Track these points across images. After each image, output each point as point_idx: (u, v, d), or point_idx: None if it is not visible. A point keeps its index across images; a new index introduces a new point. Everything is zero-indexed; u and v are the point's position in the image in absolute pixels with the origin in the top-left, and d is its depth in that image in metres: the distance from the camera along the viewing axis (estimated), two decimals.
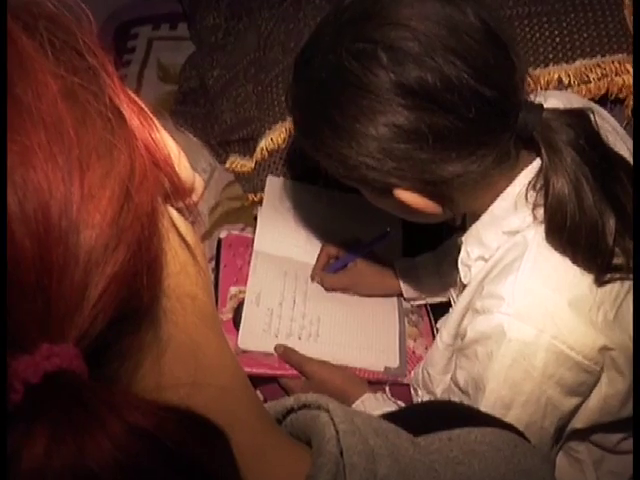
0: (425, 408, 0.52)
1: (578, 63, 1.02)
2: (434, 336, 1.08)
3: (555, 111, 0.70)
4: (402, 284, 1.07)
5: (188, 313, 0.32)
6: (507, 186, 0.72)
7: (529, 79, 0.71)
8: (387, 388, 1.00)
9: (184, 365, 0.31)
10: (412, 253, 1.11)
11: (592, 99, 0.99)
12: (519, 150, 0.72)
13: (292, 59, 0.76)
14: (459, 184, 0.69)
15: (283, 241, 1.12)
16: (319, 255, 1.09)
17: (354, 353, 1.03)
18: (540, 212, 0.70)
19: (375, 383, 1.01)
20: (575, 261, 0.69)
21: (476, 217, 0.77)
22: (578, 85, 1.02)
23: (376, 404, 0.92)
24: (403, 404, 0.94)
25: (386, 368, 1.02)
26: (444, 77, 0.63)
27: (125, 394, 0.23)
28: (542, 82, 1.03)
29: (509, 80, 0.67)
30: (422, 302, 1.10)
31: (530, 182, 0.71)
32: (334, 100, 0.67)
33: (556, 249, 0.69)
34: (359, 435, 0.35)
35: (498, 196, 0.73)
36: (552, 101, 0.75)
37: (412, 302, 1.10)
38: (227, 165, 1.27)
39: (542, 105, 0.69)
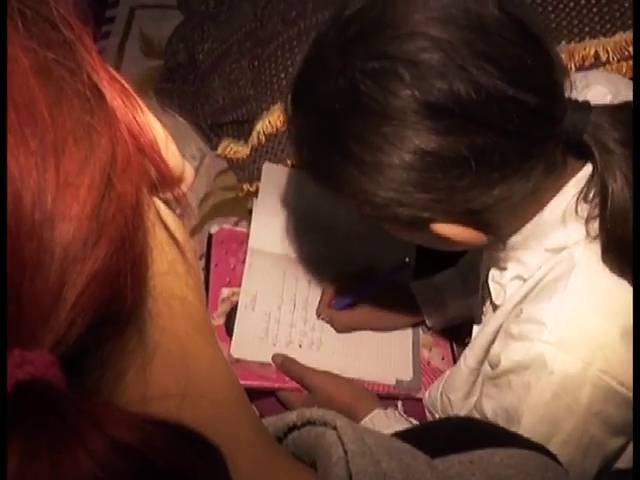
0: (443, 426, 0.52)
1: (618, 37, 1.02)
2: (452, 345, 1.08)
3: (605, 108, 0.67)
4: (425, 313, 1.06)
5: (177, 317, 0.32)
6: (553, 197, 0.70)
7: (563, 59, 0.70)
8: (399, 404, 1.00)
9: (173, 375, 0.31)
10: (425, 266, 1.10)
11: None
12: (566, 157, 0.69)
13: (293, 31, 0.76)
14: (505, 207, 0.67)
15: (282, 237, 1.12)
16: (324, 289, 1.08)
17: (362, 364, 1.03)
18: (594, 226, 0.68)
19: (386, 398, 1.01)
20: (623, 275, 0.67)
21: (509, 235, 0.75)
22: (618, 62, 1.02)
23: (387, 422, 0.92)
24: (417, 422, 0.94)
25: (398, 381, 1.02)
26: (478, 88, 0.60)
27: (107, 406, 0.23)
28: (576, 58, 1.03)
29: (550, 79, 0.65)
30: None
31: (581, 192, 0.69)
32: (351, 130, 0.64)
33: (612, 268, 0.68)
34: (370, 456, 0.35)
35: (542, 208, 0.71)
36: (598, 89, 0.73)
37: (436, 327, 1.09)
38: (219, 151, 1.27)
39: (589, 103, 0.67)
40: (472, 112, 0.60)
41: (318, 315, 1.07)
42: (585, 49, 1.03)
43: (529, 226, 0.72)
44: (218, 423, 0.32)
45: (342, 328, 1.06)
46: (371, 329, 1.07)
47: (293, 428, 0.39)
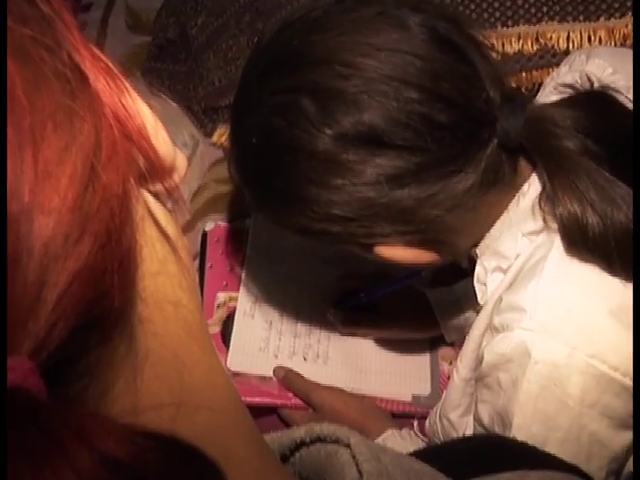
0: (466, 444, 0.52)
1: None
2: None
3: (552, 106, 0.72)
4: (443, 326, 1.05)
5: (170, 322, 0.32)
6: (507, 205, 0.75)
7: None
8: (415, 423, 1.01)
9: (166, 385, 0.32)
10: (445, 274, 1.11)
11: None
12: (515, 162, 0.74)
13: (297, 2, 0.77)
14: (447, 224, 0.72)
15: (284, 237, 1.13)
16: (334, 286, 1.09)
17: (373, 379, 1.04)
18: (554, 224, 0.71)
19: (401, 416, 1.01)
20: (612, 272, 0.69)
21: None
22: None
23: (402, 443, 0.93)
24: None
25: (414, 397, 1.02)
26: (386, 113, 0.66)
27: (94, 417, 0.24)
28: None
29: (470, 89, 0.69)
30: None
31: (538, 196, 0.72)
32: (271, 167, 0.73)
33: (584, 262, 0.70)
34: (387, 478, 0.36)
35: (499, 216, 0.75)
36: (596, 63, 0.76)
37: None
38: (214, 138, 1.27)
39: (524, 104, 0.71)
40: (382, 138, 0.66)
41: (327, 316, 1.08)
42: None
43: (501, 218, 0.75)
44: (216, 436, 0.32)
45: (347, 329, 1.07)
46: (378, 336, 1.08)
47: (301, 445, 0.40)
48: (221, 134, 1.26)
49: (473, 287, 1.05)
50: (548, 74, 1.05)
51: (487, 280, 0.77)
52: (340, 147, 0.67)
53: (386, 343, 1.07)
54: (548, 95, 0.80)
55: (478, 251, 0.78)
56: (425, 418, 1.01)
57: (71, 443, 0.21)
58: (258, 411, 0.99)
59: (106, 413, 0.28)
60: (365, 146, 0.67)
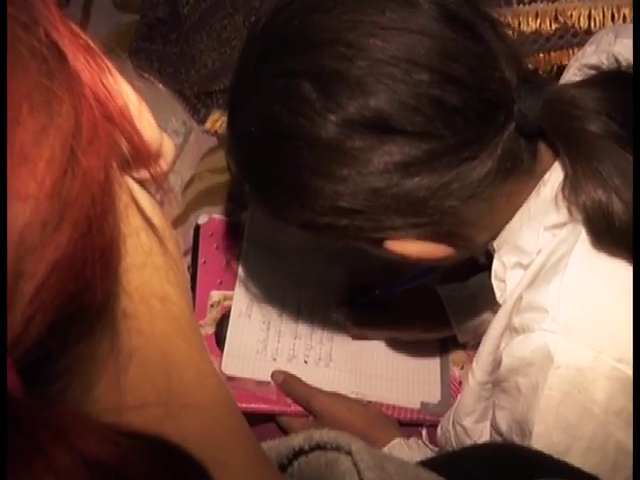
0: (478, 453, 0.52)
1: None
2: None
3: (573, 87, 0.71)
4: (455, 325, 1.06)
5: (157, 319, 0.33)
6: (529, 194, 0.74)
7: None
8: (424, 431, 1.01)
9: (152, 386, 0.32)
10: (458, 270, 1.11)
11: None
12: (535, 148, 0.73)
13: None
14: (462, 215, 0.71)
15: (284, 230, 1.13)
16: (339, 285, 1.09)
17: (379, 383, 1.04)
18: (579, 215, 0.70)
19: (408, 424, 1.02)
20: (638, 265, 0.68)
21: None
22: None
23: (409, 453, 0.93)
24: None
25: (423, 404, 1.03)
26: (394, 97, 0.65)
27: (74, 415, 0.24)
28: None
29: (484, 69, 0.68)
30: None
31: (561, 184, 0.72)
32: (272, 157, 0.72)
33: (611, 256, 0.69)
34: None
35: (516, 207, 0.75)
36: (624, 43, 0.75)
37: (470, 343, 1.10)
38: (208, 125, 1.27)
39: (542, 85, 0.70)
40: (390, 125, 0.66)
41: (333, 313, 1.08)
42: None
43: (520, 210, 0.75)
44: (205, 438, 0.33)
45: (358, 332, 1.07)
46: (390, 337, 1.08)
47: (299, 453, 0.40)
48: (215, 120, 1.27)
49: (490, 283, 1.05)
50: (568, 56, 1.05)
51: (506, 277, 0.77)
52: (345, 134, 0.67)
53: (393, 345, 1.08)
54: (572, 77, 0.80)
55: (495, 245, 0.78)
56: (435, 426, 1.01)
57: (49, 443, 0.22)
58: (255, 418, 0.99)
59: (88, 413, 0.29)
60: (372, 133, 0.66)
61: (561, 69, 0.88)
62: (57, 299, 0.25)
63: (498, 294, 0.78)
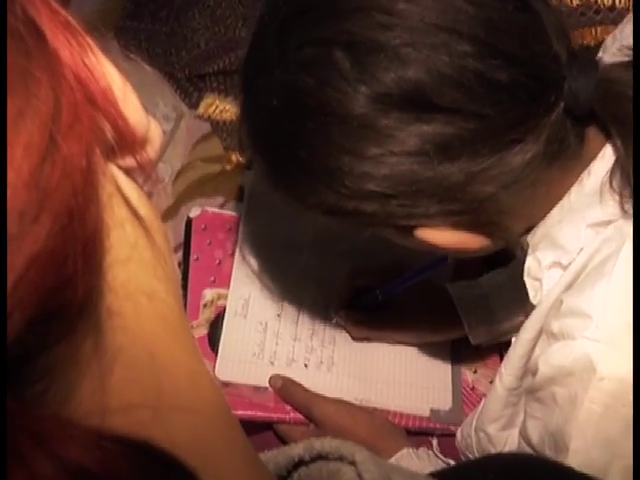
0: (491, 464, 0.52)
1: None
2: None
3: (625, 68, 0.69)
4: (467, 325, 1.05)
5: (144, 317, 0.33)
6: (574, 181, 0.73)
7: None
8: (434, 441, 1.01)
9: (140, 388, 0.32)
10: (469, 267, 1.10)
11: None
12: (582, 132, 0.72)
13: None
14: (501, 203, 0.70)
15: (283, 223, 1.13)
16: (341, 284, 1.09)
17: (386, 389, 1.04)
18: (630, 206, 0.69)
19: (417, 433, 1.02)
20: None
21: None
22: None
23: (418, 464, 0.93)
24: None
25: (433, 411, 1.03)
26: (435, 69, 0.63)
27: (55, 420, 0.24)
28: None
29: (533, 42, 0.67)
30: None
31: (610, 170, 0.71)
32: (295, 135, 0.70)
33: None
34: None
35: (563, 194, 0.74)
36: None
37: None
38: (201, 110, 1.27)
39: (595, 62, 0.69)
40: (431, 100, 0.64)
41: (333, 315, 1.08)
42: None
43: (560, 204, 0.74)
44: (196, 444, 0.33)
45: (360, 334, 1.07)
46: (397, 341, 1.08)
47: (299, 464, 0.40)
48: (208, 105, 1.27)
49: (504, 282, 1.05)
50: (591, 34, 1.05)
51: (542, 275, 0.77)
52: (379, 110, 0.65)
53: (401, 348, 1.08)
54: (612, 58, 0.79)
55: (530, 240, 0.78)
56: (446, 436, 1.02)
57: (29, 449, 0.22)
58: (251, 427, 1.00)
59: (69, 417, 0.29)
60: (409, 109, 0.64)
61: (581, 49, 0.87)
62: (36, 295, 0.25)
63: (532, 293, 0.78)
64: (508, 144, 0.67)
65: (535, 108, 0.67)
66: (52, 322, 0.27)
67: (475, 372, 1.08)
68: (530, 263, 0.78)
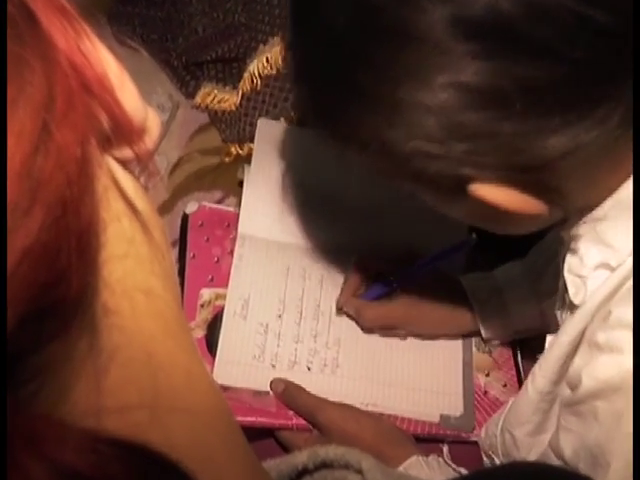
0: (506, 474, 0.52)
1: None
2: (518, 368, 1.09)
3: None
4: (480, 319, 1.06)
5: (141, 315, 0.33)
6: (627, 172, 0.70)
7: None
8: (445, 448, 1.01)
9: (137, 390, 0.32)
10: (483, 258, 1.11)
11: None
12: None
13: None
14: (570, 166, 0.67)
15: (284, 218, 1.14)
16: (349, 275, 1.09)
17: (393, 393, 1.04)
18: None
19: (426, 440, 1.02)
20: None
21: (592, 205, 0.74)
22: None
23: (428, 473, 0.93)
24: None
25: (443, 417, 1.03)
26: (529, 1, 0.59)
27: (48, 421, 0.24)
28: None
29: None
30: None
31: None
32: (358, 57, 0.65)
33: None
34: None
35: (629, 172, 0.70)
36: None
37: (494, 342, 1.10)
38: (198, 99, 1.28)
39: None
40: (519, 33, 0.60)
41: (339, 307, 1.08)
42: None
43: (615, 196, 0.72)
44: (195, 447, 0.33)
45: (372, 324, 1.07)
46: (409, 333, 1.08)
47: (303, 473, 0.40)
48: (206, 94, 1.27)
49: (518, 275, 1.05)
50: None
51: (585, 273, 0.75)
52: (460, 35, 0.60)
53: (409, 350, 1.08)
54: None
55: (574, 232, 0.76)
56: (457, 443, 1.02)
57: (21, 451, 0.22)
58: (251, 434, 0.99)
59: (63, 418, 0.29)
60: (494, 40, 0.60)
61: None
62: (29, 291, 0.25)
63: (572, 290, 0.77)
64: (593, 100, 0.63)
65: (625, 64, 0.63)
66: (45, 319, 0.27)
67: (487, 375, 1.08)
68: (571, 260, 0.77)
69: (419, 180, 0.71)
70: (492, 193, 0.68)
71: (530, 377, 0.84)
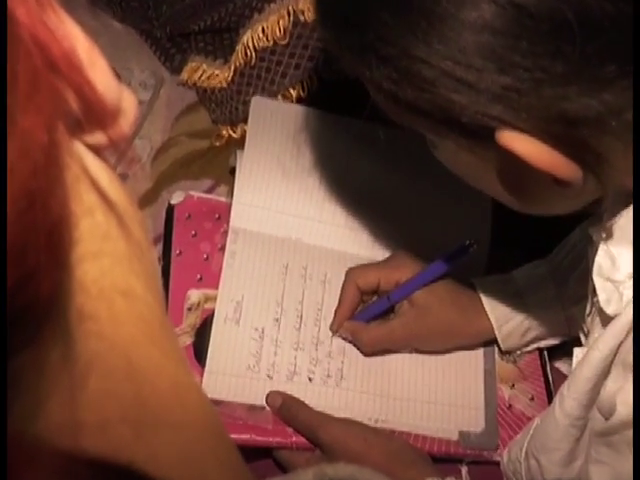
0: None
1: None
2: (547, 378, 1.10)
3: None
4: (497, 327, 1.06)
5: (120, 319, 0.33)
6: None
7: None
8: (464, 470, 1.01)
9: (118, 403, 0.33)
10: (503, 259, 1.11)
11: None
12: None
13: None
14: (619, 129, 0.66)
15: (282, 211, 1.14)
16: (344, 288, 1.09)
17: (406, 408, 1.04)
18: None
19: (444, 460, 1.02)
20: None
21: (627, 196, 0.74)
22: None
23: None
24: None
25: (462, 434, 1.03)
26: None
27: (19, 441, 0.24)
28: None
29: None
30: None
31: None
32: None
33: None
34: None
35: None
36: None
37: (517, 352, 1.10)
38: (185, 75, 1.27)
39: None
40: None
41: (333, 330, 1.08)
42: None
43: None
44: (184, 466, 0.33)
45: (372, 349, 1.07)
46: (417, 350, 1.08)
47: None
48: (193, 69, 1.27)
49: (540, 277, 1.05)
50: None
51: (617, 277, 0.75)
52: None
53: (423, 358, 1.08)
54: None
55: (605, 232, 0.76)
56: (477, 463, 1.02)
57: None
58: (245, 454, 0.99)
59: (36, 437, 0.29)
60: None
61: None
62: None
63: (603, 297, 0.76)
64: None
65: None
66: (14, 325, 0.27)
67: (513, 387, 1.08)
68: (602, 259, 0.76)
69: (438, 117, 0.69)
70: (522, 144, 0.66)
71: (558, 398, 0.84)
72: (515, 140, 0.66)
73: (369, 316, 1.08)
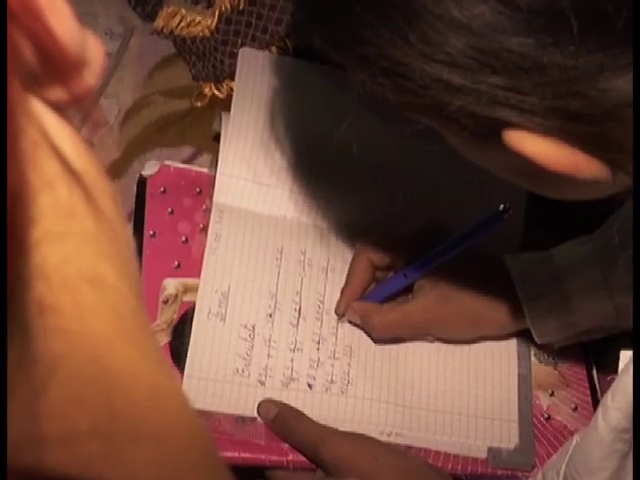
0: None
1: None
2: (592, 383, 1.10)
3: None
4: (530, 316, 1.06)
5: (88, 312, 0.33)
6: None
7: None
8: None
9: (86, 411, 0.33)
10: (538, 235, 1.12)
11: None
12: None
13: None
14: (627, 122, 0.66)
15: (274, 185, 1.14)
16: (353, 261, 1.10)
17: (425, 419, 1.05)
18: None
19: None
20: None
21: None
22: None
23: None
24: None
25: (492, 451, 1.04)
26: None
27: None
28: None
29: None
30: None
31: None
32: None
33: None
34: None
35: None
36: None
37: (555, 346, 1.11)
38: (160, 23, 1.28)
39: None
40: None
41: (339, 313, 1.09)
42: None
43: None
44: None
45: (384, 334, 1.08)
46: (436, 338, 1.09)
47: None
48: (169, 14, 1.27)
49: (586, 256, 1.06)
50: None
51: None
52: None
53: (444, 359, 1.09)
54: None
55: None
56: None
57: None
58: (233, 473, 1.00)
59: None
60: None
61: None
62: None
63: None
64: None
65: None
66: None
67: (552, 395, 1.09)
68: None
69: (438, 116, 0.70)
70: (534, 146, 0.68)
71: (600, 409, 0.85)
72: (523, 141, 0.68)
73: (382, 296, 1.08)
